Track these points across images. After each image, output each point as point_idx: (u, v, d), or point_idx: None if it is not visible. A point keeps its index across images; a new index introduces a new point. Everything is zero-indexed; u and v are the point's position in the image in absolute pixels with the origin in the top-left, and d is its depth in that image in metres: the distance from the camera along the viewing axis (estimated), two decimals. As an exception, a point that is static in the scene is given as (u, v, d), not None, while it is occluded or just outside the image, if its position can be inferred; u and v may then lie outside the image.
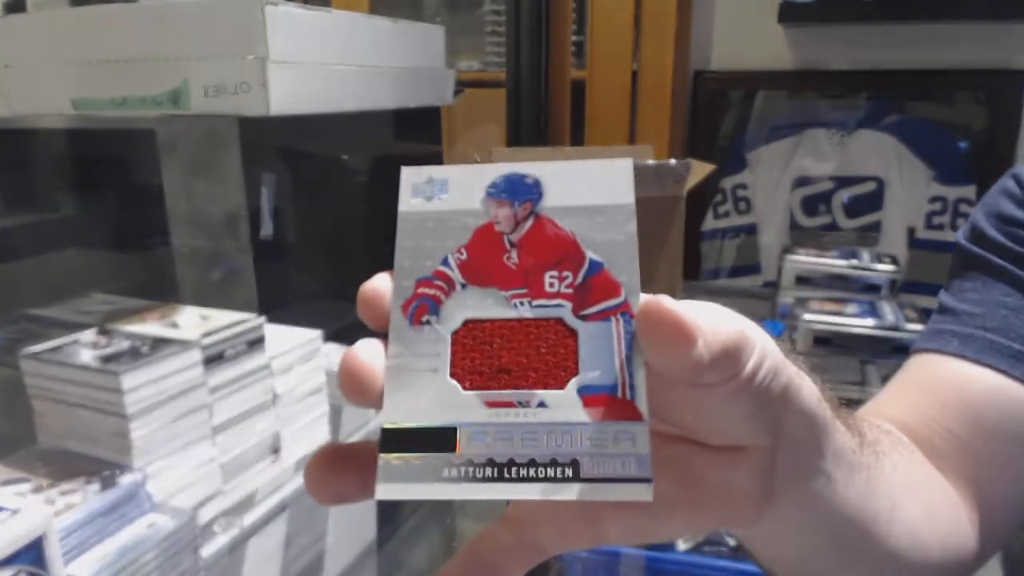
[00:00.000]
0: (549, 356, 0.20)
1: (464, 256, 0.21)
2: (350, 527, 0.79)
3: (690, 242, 1.66)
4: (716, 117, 1.69)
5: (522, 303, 0.21)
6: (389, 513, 0.85)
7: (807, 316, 0.93)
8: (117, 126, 0.83)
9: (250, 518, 0.62)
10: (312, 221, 0.96)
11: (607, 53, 1.59)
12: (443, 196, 0.22)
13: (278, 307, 0.71)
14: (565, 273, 0.21)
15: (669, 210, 0.96)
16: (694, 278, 1.69)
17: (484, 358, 0.20)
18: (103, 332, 0.59)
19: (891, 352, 0.90)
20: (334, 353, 0.79)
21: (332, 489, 0.21)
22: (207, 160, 0.77)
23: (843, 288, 1.04)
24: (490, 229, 0.21)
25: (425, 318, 0.21)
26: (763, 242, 1.69)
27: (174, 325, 0.61)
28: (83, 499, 0.50)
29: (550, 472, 0.19)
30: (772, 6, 1.57)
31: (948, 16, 1.47)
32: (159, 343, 0.57)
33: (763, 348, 0.22)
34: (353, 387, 0.20)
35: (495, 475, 0.19)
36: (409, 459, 0.19)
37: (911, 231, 1.59)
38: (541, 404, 0.20)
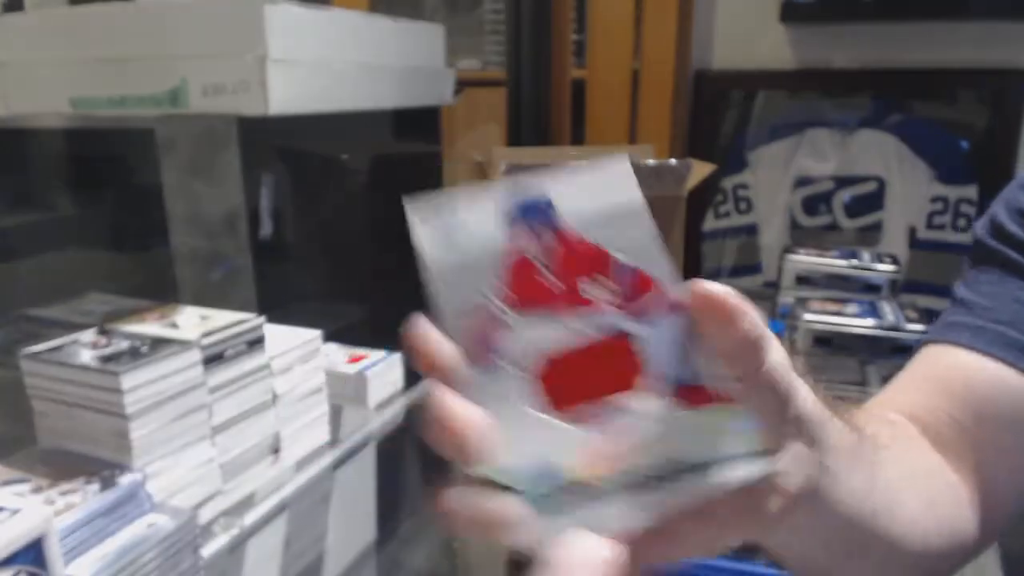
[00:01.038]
0: (626, 367, 0.21)
1: (505, 290, 0.21)
2: (350, 527, 0.79)
3: (691, 242, 1.66)
4: (717, 117, 1.69)
5: (577, 321, 0.21)
6: (389, 513, 0.85)
7: (807, 316, 0.93)
8: (115, 125, 0.83)
9: (250, 518, 0.62)
10: (312, 221, 0.96)
11: (607, 52, 1.59)
12: (462, 232, 0.22)
13: (278, 307, 0.71)
14: (605, 282, 0.21)
15: (670, 210, 0.96)
16: (695, 278, 1.69)
17: (568, 386, 0.20)
18: (102, 332, 0.59)
19: (891, 352, 0.90)
20: (334, 353, 0.79)
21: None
22: (206, 160, 0.77)
23: (843, 288, 1.04)
24: (520, 257, 0.21)
25: (492, 362, 0.21)
26: (764, 242, 1.68)
27: (173, 325, 0.60)
28: (83, 499, 0.50)
29: (677, 477, 0.20)
30: (773, 6, 1.57)
31: (950, 15, 1.47)
32: (159, 343, 0.56)
33: (774, 345, 0.24)
34: (464, 448, 0.20)
35: (633, 489, 0.20)
36: (552, 497, 0.20)
37: (912, 231, 1.59)
38: (638, 415, 0.20)
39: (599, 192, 0.22)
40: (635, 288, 0.21)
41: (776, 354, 0.24)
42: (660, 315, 0.21)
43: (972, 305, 0.45)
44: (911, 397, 0.44)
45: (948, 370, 0.44)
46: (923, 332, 0.88)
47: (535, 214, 0.22)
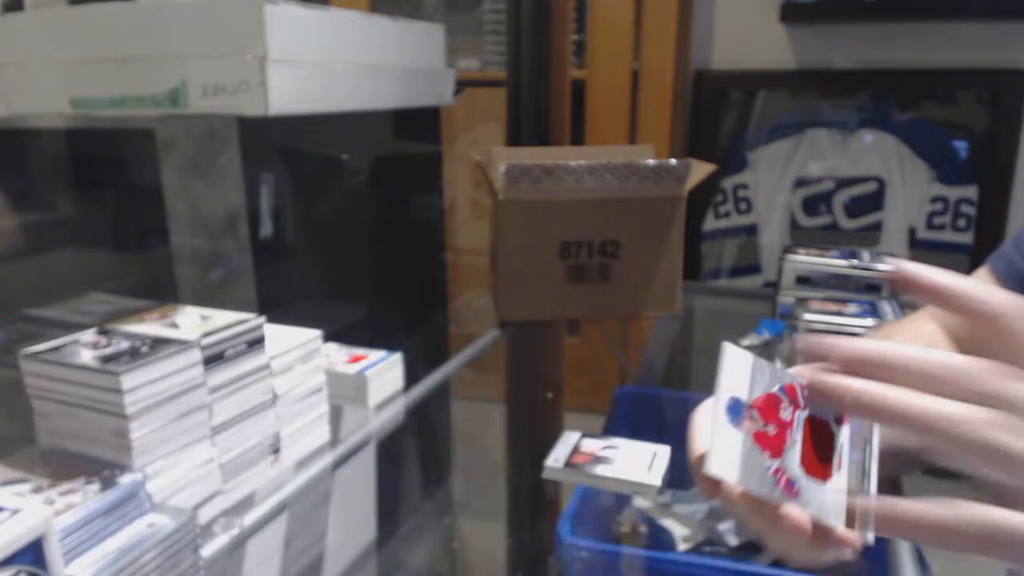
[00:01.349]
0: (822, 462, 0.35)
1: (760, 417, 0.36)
2: (350, 527, 0.79)
3: (691, 242, 1.66)
4: (717, 117, 1.69)
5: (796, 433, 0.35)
6: (389, 513, 0.85)
7: (807, 316, 0.93)
8: (115, 125, 0.83)
9: (250, 518, 0.62)
10: (312, 221, 0.96)
11: (607, 53, 1.59)
12: (759, 383, 0.36)
13: (278, 307, 0.71)
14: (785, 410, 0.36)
15: (669, 210, 0.96)
16: (695, 278, 1.69)
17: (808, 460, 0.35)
18: (103, 332, 0.59)
19: (892, 352, 0.90)
20: (334, 353, 0.79)
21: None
22: (206, 160, 0.77)
23: (843, 288, 1.04)
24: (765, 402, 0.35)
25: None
26: (764, 242, 1.68)
27: (174, 325, 0.60)
28: (83, 499, 0.49)
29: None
30: (773, 5, 1.57)
31: (950, 15, 1.47)
32: (159, 343, 0.56)
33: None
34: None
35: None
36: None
37: (912, 231, 1.59)
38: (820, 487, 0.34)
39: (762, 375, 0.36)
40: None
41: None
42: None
43: (1019, 238, 0.56)
44: None
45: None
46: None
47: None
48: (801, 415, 0.35)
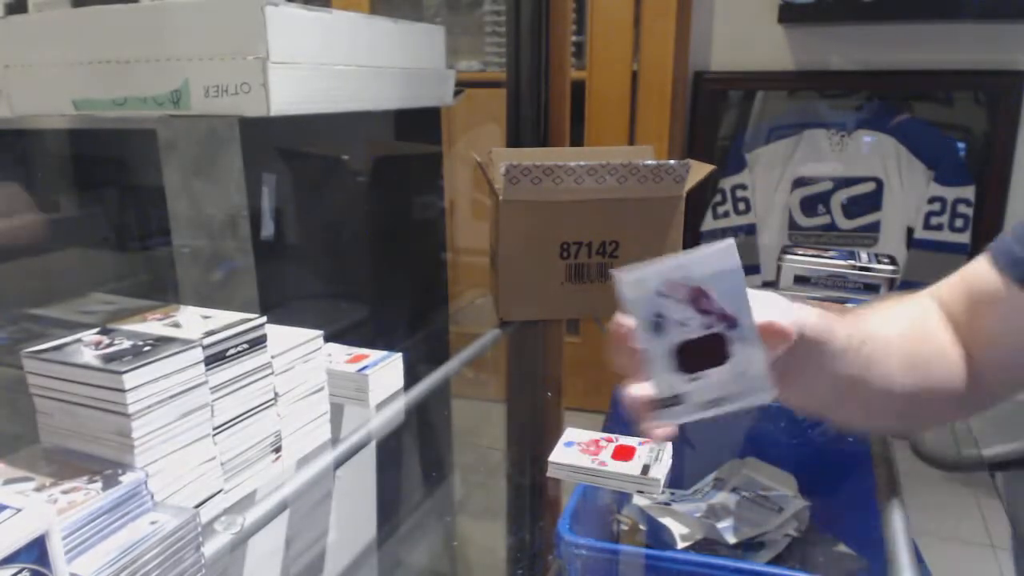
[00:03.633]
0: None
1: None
2: (350, 526, 0.80)
3: (690, 242, 1.66)
4: (715, 117, 1.70)
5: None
6: (389, 513, 0.85)
7: (806, 316, 0.93)
8: (118, 126, 0.84)
9: (251, 517, 0.62)
10: (313, 221, 0.96)
11: (607, 53, 1.59)
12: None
13: (279, 307, 0.72)
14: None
15: (669, 210, 0.96)
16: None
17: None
18: (105, 332, 0.59)
19: (890, 352, 0.90)
20: (335, 353, 0.79)
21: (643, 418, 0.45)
22: (208, 160, 0.77)
23: (841, 288, 1.05)
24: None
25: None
26: (762, 242, 1.69)
27: (175, 325, 0.61)
28: (85, 498, 0.50)
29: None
30: (772, 7, 1.57)
31: (947, 16, 1.47)
32: (161, 342, 0.57)
33: (803, 324, 0.46)
34: (624, 355, 0.46)
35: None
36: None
37: (910, 231, 1.60)
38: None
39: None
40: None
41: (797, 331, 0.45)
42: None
43: (1018, 230, 0.58)
44: (947, 289, 0.63)
45: (975, 275, 0.60)
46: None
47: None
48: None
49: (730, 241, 0.41)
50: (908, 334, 0.59)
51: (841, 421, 0.61)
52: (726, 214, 1.70)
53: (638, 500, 0.90)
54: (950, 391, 0.58)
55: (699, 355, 0.43)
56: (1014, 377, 0.58)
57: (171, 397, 0.56)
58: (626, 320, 0.44)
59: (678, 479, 0.95)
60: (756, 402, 0.42)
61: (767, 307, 0.44)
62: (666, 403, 0.44)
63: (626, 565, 0.74)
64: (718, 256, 0.42)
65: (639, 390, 0.44)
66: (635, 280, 0.43)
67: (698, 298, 0.42)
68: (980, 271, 0.60)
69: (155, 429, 0.55)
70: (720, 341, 0.42)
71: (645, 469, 0.65)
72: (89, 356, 0.55)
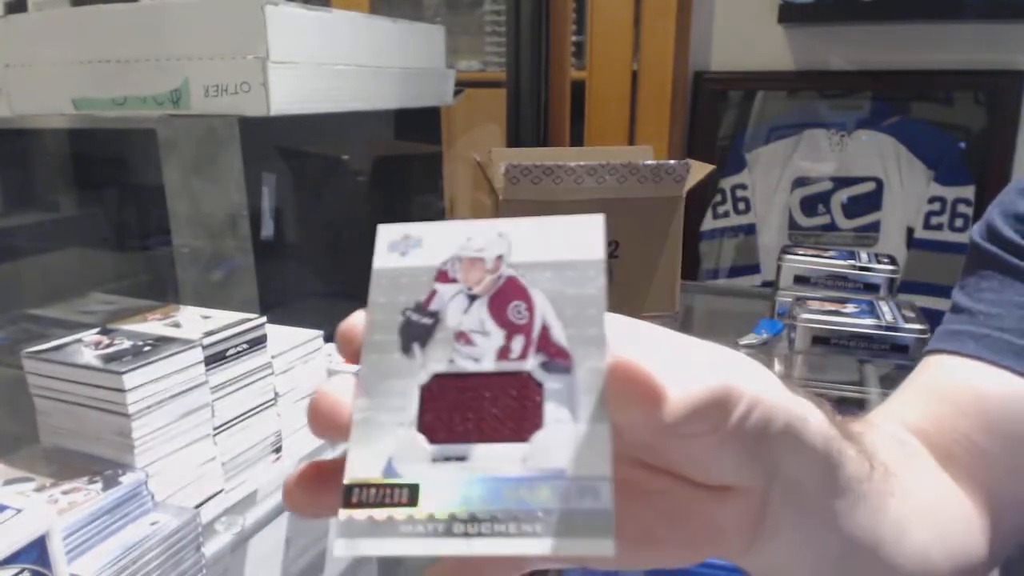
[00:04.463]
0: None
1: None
2: (350, 526, 0.80)
3: (689, 242, 1.66)
4: (715, 117, 1.70)
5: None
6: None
7: (805, 316, 0.93)
8: (118, 126, 0.84)
9: (252, 517, 0.62)
10: (313, 221, 0.96)
11: (607, 53, 1.59)
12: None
13: (279, 307, 0.72)
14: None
15: (668, 210, 0.96)
16: (693, 278, 1.69)
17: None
18: (105, 332, 0.59)
19: (889, 352, 0.90)
20: (335, 353, 0.79)
21: (308, 509, 0.22)
22: (208, 160, 0.77)
23: (842, 288, 1.05)
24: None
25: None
26: (762, 242, 1.69)
27: (176, 325, 0.61)
28: (86, 498, 0.50)
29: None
30: (772, 6, 1.57)
31: (947, 16, 1.47)
32: (161, 342, 0.57)
33: (754, 397, 0.22)
34: (321, 423, 0.21)
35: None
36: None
37: (910, 231, 1.60)
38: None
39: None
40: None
41: (743, 410, 0.21)
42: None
43: (975, 312, 0.44)
44: (918, 411, 0.42)
45: (955, 383, 0.42)
46: (922, 333, 0.88)
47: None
48: None
49: (599, 217, 0.23)
50: (926, 484, 0.38)
51: None
52: (726, 214, 1.70)
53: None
54: (976, 562, 0.39)
55: (471, 410, 0.21)
56: None
57: (171, 397, 0.56)
58: (357, 319, 0.23)
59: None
60: (569, 549, 0.19)
61: (656, 347, 0.22)
62: (362, 500, 0.20)
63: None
64: (568, 233, 0.23)
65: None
66: (401, 239, 0.23)
67: (509, 300, 0.22)
68: (981, 380, 0.41)
69: (155, 429, 0.55)
70: (527, 391, 0.21)
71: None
72: (89, 356, 0.55)
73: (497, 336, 0.22)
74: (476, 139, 1.63)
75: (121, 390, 0.52)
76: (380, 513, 0.20)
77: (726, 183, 1.69)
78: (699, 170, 0.98)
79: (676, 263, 0.99)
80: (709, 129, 1.70)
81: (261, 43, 0.68)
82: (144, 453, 0.54)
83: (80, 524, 0.49)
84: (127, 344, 0.57)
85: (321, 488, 0.22)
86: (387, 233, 0.24)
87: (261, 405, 0.65)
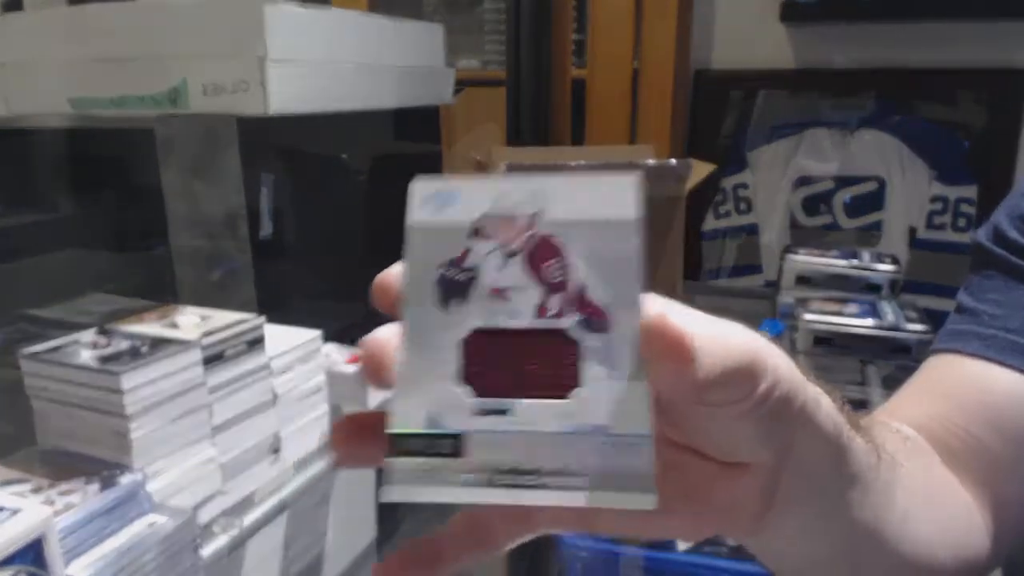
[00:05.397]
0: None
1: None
2: (350, 527, 0.79)
3: (691, 242, 1.65)
4: (717, 117, 1.69)
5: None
6: (389, 513, 0.85)
7: (807, 316, 0.93)
8: (115, 125, 0.83)
9: (250, 518, 0.62)
10: (311, 221, 0.96)
11: (607, 52, 1.59)
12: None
13: (277, 307, 0.71)
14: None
15: (669, 210, 0.96)
16: (695, 278, 1.69)
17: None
18: (102, 332, 0.59)
19: (891, 352, 0.90)
20: (334, 353, 0.79)
21: (349, 461, 0.24)
22: (206, 159, 0.77)
23: (844, 288, 1.04)
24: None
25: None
26: (764, 242, 1.68)
27: (173, 325, 0.60)
28: (83, 499, 0.49)
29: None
30: (773, 5, 1.57)
31: (950, 15, 1.47)
32: (159, 343, 0.56)
33: (777, 373, 0.22)
34: (370, 367, 0.22)
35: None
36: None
37: (912, 231, 1.59)
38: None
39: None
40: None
41: (768, 385, 0.22)
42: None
43: (979, 313, 0.44)
44: (922, 409, 0.42)
45: (959, 380, 0.43)
46: (924, 333, 0.88)
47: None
48: None
49: (634, 177, 0.22)
50: (931, 478, 0.39)
51: None
52: (727, 213, 1.70)
53: (639, 501, 0.90)
54: (978, 556, 0.39)
55: (511, 365, 0.21)
56: None
57: (169, 398, 0.56)
58: (395, 271, 0.22)
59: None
60: (610, 502, 0.20)
61: (690, 314, 0.22)
62: (408, 448, 0.21)
63: (627, 567, 0.74)
64: (604, 192, 0.22)
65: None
66: (435, 193, 0.23)
67: (545, 258, 0.22)
68: (985, 378, 0.42)
69: (153, 430, 0.55)
70: (565, 349, 0.21)
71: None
72: (86, 357, 0.55)
73: (534, 293, 0.22)
74: (476, 139, 1.63)
75: (119, 391, 0.52)
76: (425, 462, 0.21)
77: (728, 183, 1.68)
78: (700, 169, 0.98)
79: (677, 263, 0.99)
80: (710, 128, 1.69)
81: (260, 42, 0.67)
82: (141, 454, 0.54)
83: (77, 525, 0.48)
84: (125, 345, 0.56)
85: (361, 440, 0.23)
86: (422, 187, 0.23)
87: (259, 406, 0.64)
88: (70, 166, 0.97)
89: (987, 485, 0.40)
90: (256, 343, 0.63)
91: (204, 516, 0.59)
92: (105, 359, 0.54)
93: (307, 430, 0.70)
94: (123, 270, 0.93)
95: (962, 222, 1.54)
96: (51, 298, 0.75)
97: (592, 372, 0.21)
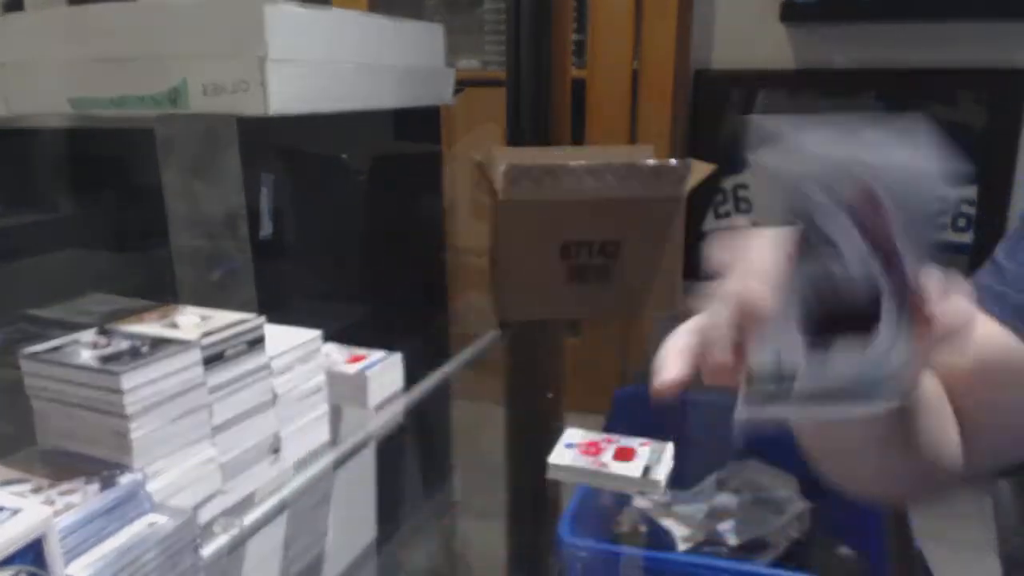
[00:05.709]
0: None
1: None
2: (350, 527, 0.79)
3: (691, 242, 1.65)
4: (717, 117, 1.69)
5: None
6: (389, 513, 0.85)
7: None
8: (115, 125, 0.83)
9: (250, 518, 0.62)
10: (311, 221, 0.96)
11: (607, 52, 1.59)
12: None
13: (278, 307, 0.71)
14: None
15: (670, 210, 0.96)
16: (695, 278, 1.69)
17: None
18: (102, 332, 0.59)
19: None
20: (334, 353, 0.79)
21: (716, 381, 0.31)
22: (206, 159, 0.77)
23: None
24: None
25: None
26: (764, 242, 1.68)
27: (174, 325, 0.60)
28: (83, 499, 0.49)
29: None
30: (773, 5, 1.57)
31: (950, 15, 1.47)
32: (159, 343, 0.56)
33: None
34: (744, 312, 0.27)
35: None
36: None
37: (912, 231, 1.59)
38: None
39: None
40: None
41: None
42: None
43: (1004, 270, 0.48)
44: None
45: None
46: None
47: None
48: None
49: (920, 119, 0.24)
50: (935, 386, 0.46)
51: (843, 480, 0.47)
52: (728, 214, 1.70)
53: (639, 502, 0.90)
54: (952, 463, 0.46)
55: (835, 310, 0.26)
56: (1004, 442, 0.48)
57: (169, 398, 0.56)
58: (761, 243, 0.26)
59: (679, 480, 0.94)
60: (870, 409, 0.26)
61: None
62: (761, 383, 0.26)
63: (627, 567, 0.74)
64: (904, 143, 0.25)
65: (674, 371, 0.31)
66: (772, 136, 0.25)
67: (869, 214, 0.25)
68: (986, 331, 0.47)
69: (153, 430, 0.55)
70: (872, 296, 0.25)
71: (646, 470, 0.65)
72: (87, 357, 0.54)
73: (858, 246, 0.26)
74: (476, 138, 1.63)
75: (119, 391, 0.52)
76: (773, 389, 0.27)
77: (728, 183, 1.68)
78: (700, 170, 0.98)
79: (678, 263, 0.99)
80: (710, 128, 1.69)
81: (260, 42, 0.67)
82: (141, 454, 0.54)
83: (77, 525, 0.48)
84: (125, 345, 0.56)
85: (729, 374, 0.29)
86: (760, 127, 0.27)
87: (259, 406, 0.64)
88: (70, 166, 0.97)
89: (966, 416, 0.46)
90: (256, 343, 0.63)
91: (204, 516, 0.59)
92: (105, 359, 0.54)
93: (307, 430, 0.70)
94: (123, 270, 0.93)
95: (962, 222, 1.54)
96: (51, 298, 0.75)
97: (886, 316, 0.26)
